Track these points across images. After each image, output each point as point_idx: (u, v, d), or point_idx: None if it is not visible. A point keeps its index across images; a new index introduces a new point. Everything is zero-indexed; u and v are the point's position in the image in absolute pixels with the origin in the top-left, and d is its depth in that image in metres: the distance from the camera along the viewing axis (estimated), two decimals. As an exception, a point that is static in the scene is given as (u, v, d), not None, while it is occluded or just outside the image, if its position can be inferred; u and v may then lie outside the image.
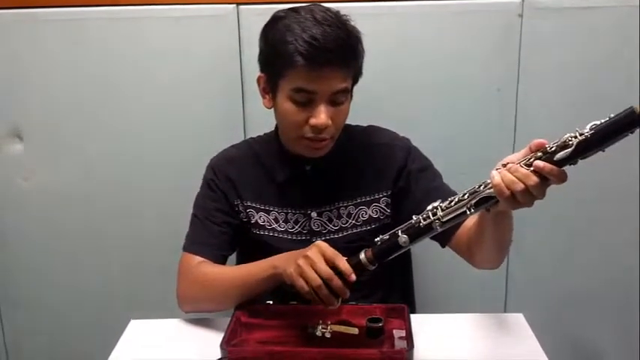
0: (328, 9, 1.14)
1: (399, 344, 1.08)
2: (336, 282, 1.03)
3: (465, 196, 0.98)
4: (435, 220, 0.99)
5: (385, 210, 1.29)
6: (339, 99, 1.15)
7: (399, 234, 1.02)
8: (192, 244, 1.27)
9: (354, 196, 1.28)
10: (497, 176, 0.93)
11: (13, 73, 1.62)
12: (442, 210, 0.99)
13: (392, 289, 1.38)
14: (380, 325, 1.10)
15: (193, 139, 1.64)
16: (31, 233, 1.74)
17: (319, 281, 1.02)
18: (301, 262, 1.04)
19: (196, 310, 1.25)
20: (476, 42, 1.58)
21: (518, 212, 0.98)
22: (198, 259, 1.24)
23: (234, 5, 1.55)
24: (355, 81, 1.21)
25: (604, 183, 1.65)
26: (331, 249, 1.05)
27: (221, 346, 1.05)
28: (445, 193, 1.24)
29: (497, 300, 1.77)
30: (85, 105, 1.63)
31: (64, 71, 1.61)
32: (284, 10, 1.17)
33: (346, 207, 1.28)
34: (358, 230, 1.28)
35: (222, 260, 1.27)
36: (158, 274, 1.72)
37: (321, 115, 1.13)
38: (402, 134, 1.34)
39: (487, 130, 1.64)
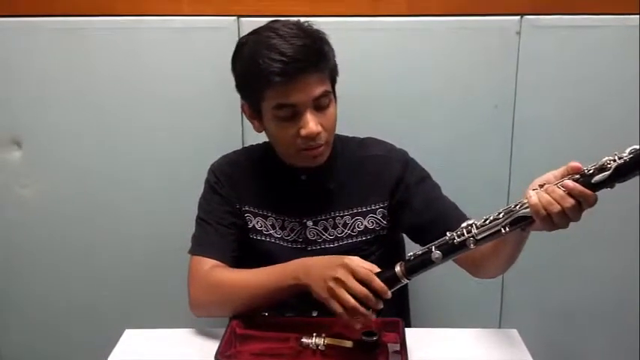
0: (287, 21, 1.16)
1: (394, 358, 1.08)
2: (371, 300, 1.03)
3: (501, 215, 0.96)
4: (469, 237, 0.98)
5: (381, 221, 1.29)
6: (322, 103, 1.16)
7: (433, 250, 1.01)
8: (203, 247, 1.25)
9: (349, 207, 1.28)
10: (534, 196, 0.92)
11: (11, 80, 1.62)
12: (477, 228, 0.98)
13: (387, 302, 1.37)
14: (374, 338, 1.10)
15: (191, 149, 1.64)
16: (28, 241, 1.74)
17: (354, 303, 1.02)
18: (332, 284, 1.04)
19: (210, 315, 1.24)
20: (474, 59, 1.59)
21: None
22: (211, 262, 1.22)
23: (235, 18, 1.56)
24: (333, 81, 1.21)
25: (600, 199, 1.65)
26: (363, 267, 1.04)
27: (215, 356, 1.05)
28: (445, 203, 1.25)
29: (492, 315, 1.77)
30: (83, 113, 1.64)
31: (62, 79, 1.62)
32: (244, 36, 1.19)
33: (342, 217, 1.28)
34: (354, 240, 1.28)
35: (233, 262, 1.25)
36: (155, 283, 1.72)
37: (310, 124, 1.14)
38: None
39: (484, 146, 1.65)
